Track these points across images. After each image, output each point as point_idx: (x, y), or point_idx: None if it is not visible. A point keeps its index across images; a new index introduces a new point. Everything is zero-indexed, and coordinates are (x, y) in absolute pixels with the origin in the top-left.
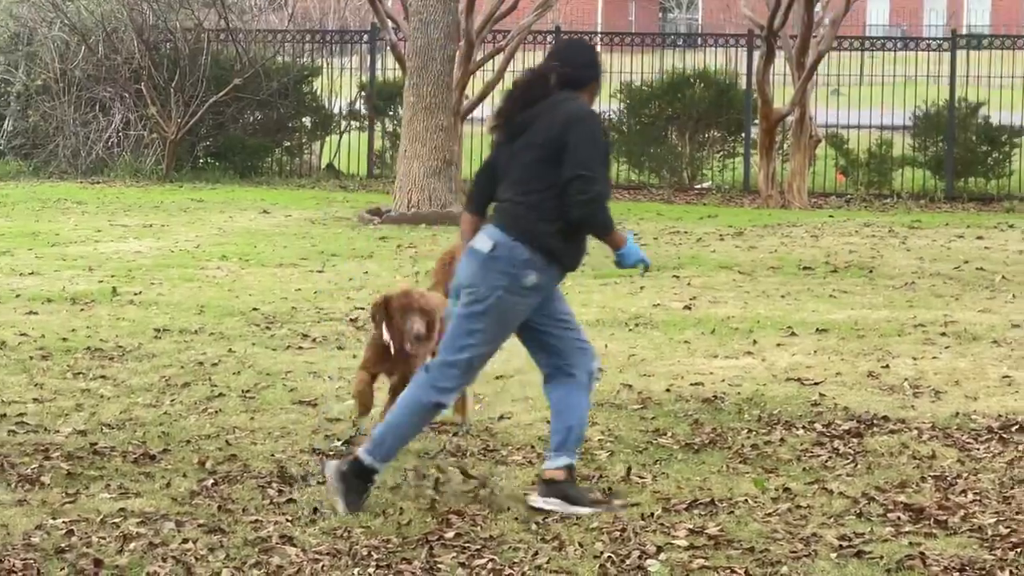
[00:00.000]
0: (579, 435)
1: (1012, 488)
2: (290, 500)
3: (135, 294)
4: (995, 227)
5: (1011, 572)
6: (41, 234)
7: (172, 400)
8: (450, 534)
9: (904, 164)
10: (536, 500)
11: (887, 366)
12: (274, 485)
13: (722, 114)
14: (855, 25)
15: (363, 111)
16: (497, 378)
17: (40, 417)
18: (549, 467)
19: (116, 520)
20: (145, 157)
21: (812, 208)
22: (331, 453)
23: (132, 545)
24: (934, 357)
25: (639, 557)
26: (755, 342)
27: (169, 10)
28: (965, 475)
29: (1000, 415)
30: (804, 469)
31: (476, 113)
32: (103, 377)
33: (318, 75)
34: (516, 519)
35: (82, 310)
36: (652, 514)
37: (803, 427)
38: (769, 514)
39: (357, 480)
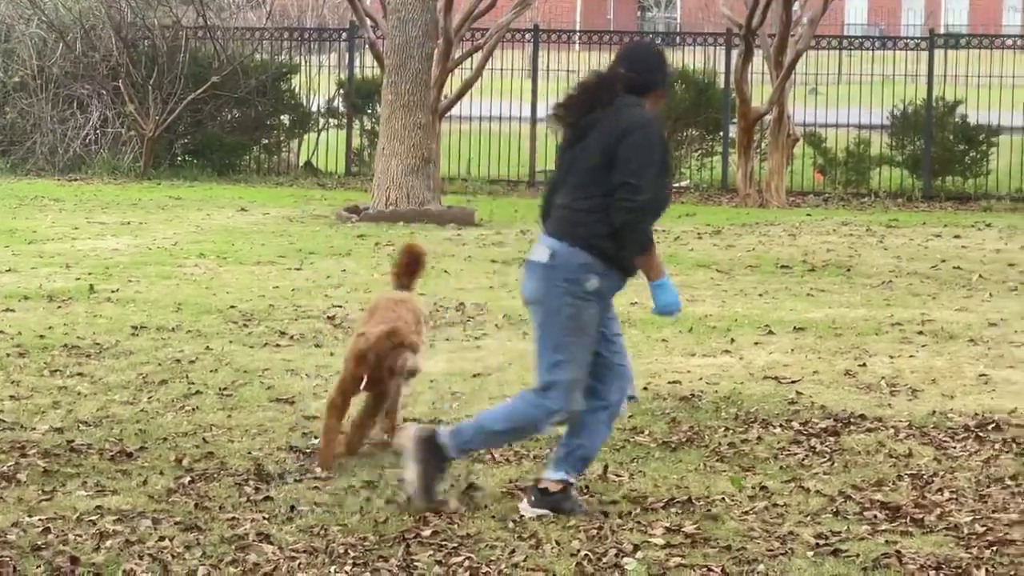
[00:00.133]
0: (584, 456)
1: (988, 486)
2: (267, 498)
3: (112, 291)
4: (972, 226)
5: (987, 570)
6: (18, 231)
7: (149, 398)
8: (427, 532)
9: (882, 163)
10: (526, 509)
11: (864, 364)
12: (251, 483)
13: (700, 113)
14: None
15: (341, 109)
16: (474, 376)
17: (16, 414)
18: (547, 476)
19: (93, 518)
20: (123, 154)
21: (790, 207)
22: (308, 451)
23: (109, 543)
24: (911, 356)
25: (616, 555)
26: (733, 340)
27: (147, 7)
28: (941, 473)
29: (977, 413)
30: (781, 467)
31: (454, 111)
32: (80, 374)
33: (296, 73)
34: (493, 517)
35: (59, 307)
36: (629, 512)
37: (780, 425)
38: (746, 512)
39: (434, 456)
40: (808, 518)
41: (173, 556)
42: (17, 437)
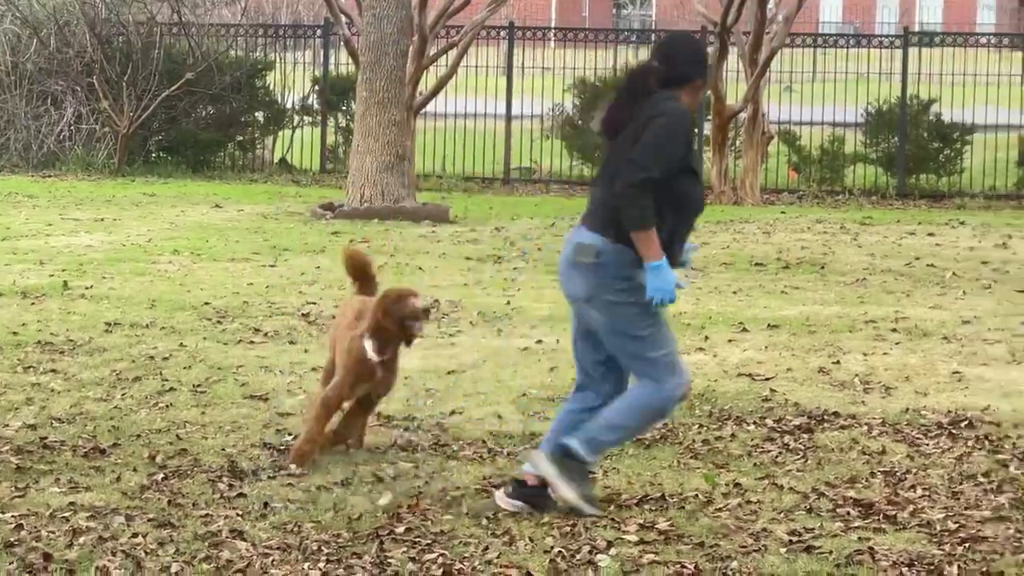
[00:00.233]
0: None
1: (961, 483)
2: (241, 494)
3: (86, 288)
4: (946, 224)
5: (959, 567)
6: None
7: (123, 394)
8: (400, 529)
9: (856, 161)
10: (503, 500)
11: (838, 362)
12: (225, 479)
13: None
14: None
15: (316, 106)
16: (449, 373)
17: None
18: (529, 471)
19: (66, 514)
20: (97, 151)
21: (764, 204)
22: (282, 448)
23: (82, 539)
24: (885, 353)
25: (589, 552)
26: (707, 338)
27: (122, 4)
28: (914, 470)
29: (950, 411)
30: (755, 464)
31: (429, 108)
32: (53, 371)
33: (271, 70)
34: (467, 514)
35: (33, 304)
36: (603, 509)
37: (754, 423)
38: (719, 509)
39: (576, 469)
40: (781, 515)
41: (146, 553)
42: None
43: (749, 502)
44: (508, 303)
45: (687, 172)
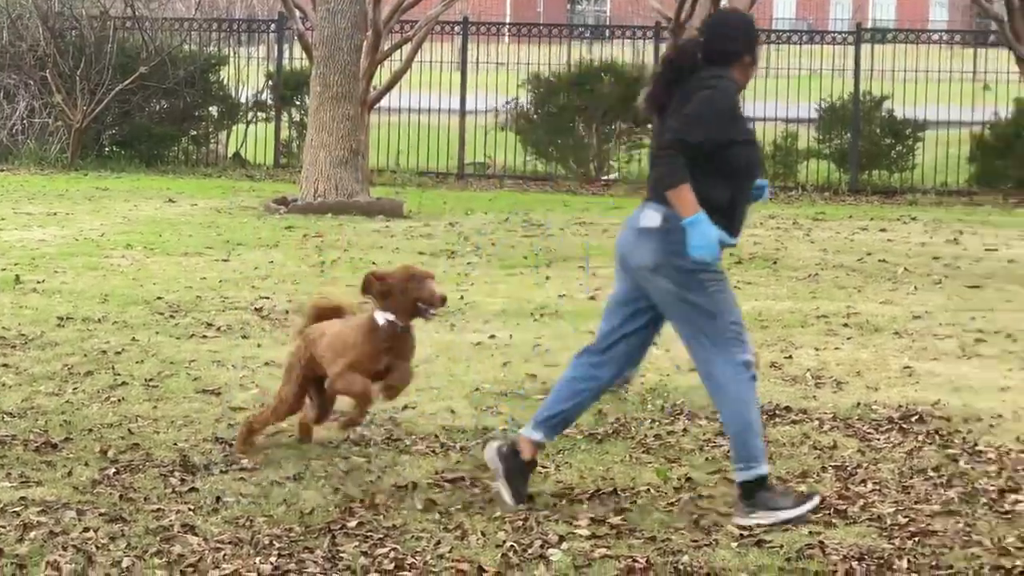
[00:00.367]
0: (564, 422)
1: (911, 478)
2: (192, 489)
3: (38, 282)
4: (898, 219)
5: (909, 561)
6: None
7: (75, 389)
8: (353, 523)
9: (809, 156)
10: (492, 454)
11: (790, 357)
12: (176, 474)
13: (629, 106)
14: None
15: (270, 100)
16: None
17: None
18: (524, 437)
19: (16, 509)
20: (50, 145)
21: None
22: (234, 442)
23: (32, 534)
24: (836, 348)
25: (541, 546)
26: (659, 333)
27: None
28: (865, 465)
29: (900, 405)
30: (707, 459)
31: (383, 103)
32: (5, 365)
33: (225, 64)
34: (419, 508)
35: None
36: (555, 504)
37: (706, 417)
38: (671, 503)
39: (763, 491)
40: (733, 509)
41: (97, 547)
42: None
43: (701, 496)
44: (461, 298)
45: (739, 143)
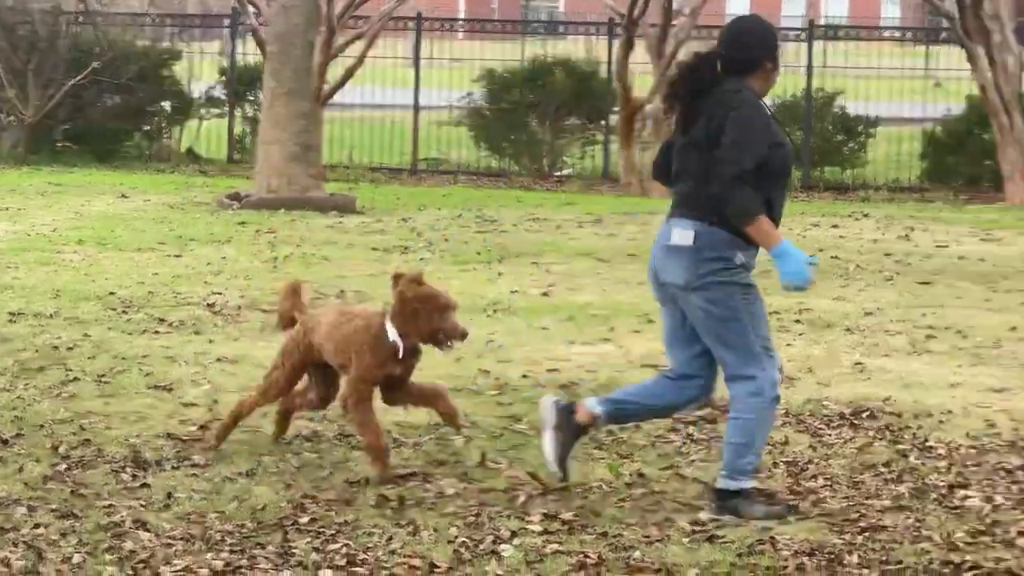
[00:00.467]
0: (631, 416)
1: (862, 473)
2: (144, 485)
3: None
4: (850, 216)
5: (859, 556)
6: None
7: (26, 384)
8: (305, 519)
9: None
10: (547, 434)
11: None
12: (128, 470)
13: (583, 102)
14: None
15: (223, 96)
16: None
17: None
18: (585, 412)
19: None
20: (2, 140)
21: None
22: (186, 438)
23: None
24: (788, 344)
25: (493, 542)
26: (612, 329)
27: None
28: (816, 460)
29: (851, 401)
30: (659, 455)
31: (337, 98)
32: None
33: (178, 59)
34: (371, 504)
35: None
36: (507, 499)
37: None
38: (623, 499)
39: (734, 501)
40: (685, 505)
41: (48, 543)
42: None
43: (653, 492)
44: None
45: (773, 146)
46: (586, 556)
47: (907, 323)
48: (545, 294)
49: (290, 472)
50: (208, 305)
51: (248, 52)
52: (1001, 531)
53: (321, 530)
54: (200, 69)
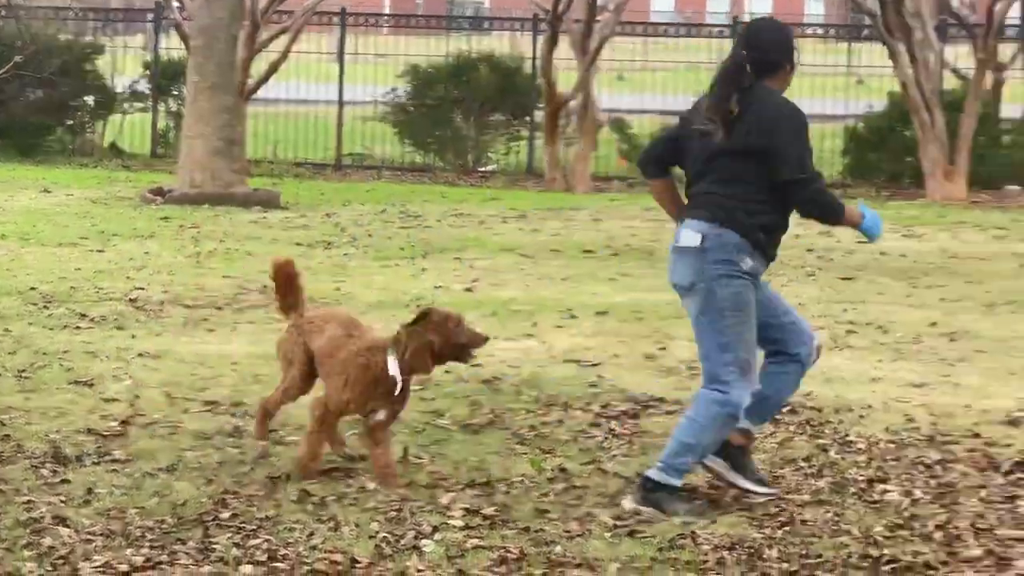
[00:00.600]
0: (772, 408)
1: (782, 468)
2: (64, 480)
3: None
4: None
5: (779, 550)
6: None
7: None
8: (225, 514)
9: None
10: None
11: (665, 348)
12: (48, 465)
13: (507, 97)
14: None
15: (147, 90)
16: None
17: None
18: (739, 434)
19: None
20: None
21: (595, 192)
22: (106, 433)
23: None
24: None
25: (415, 537)
26: (536, 324)
27: None
28: None
29: None
30: (581, 450)
31: (261, 93)
32: None
33: (101, 53)
34: (292, 500)
35: None
36: (429, 494)
37: (581, 408)
38: (545, 494)
39: (658, 493)
40: (606, 500)
41: None
42: None
43: (575, 487)
44: (338, 289)
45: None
46: (507, 551)
47: (828, 318)
48: (469, 289)
49: (211, 467)
50: (130, 300)
51: (172, 47)
52: (919, 525)
53: (242, 525)
54: (124, 63)
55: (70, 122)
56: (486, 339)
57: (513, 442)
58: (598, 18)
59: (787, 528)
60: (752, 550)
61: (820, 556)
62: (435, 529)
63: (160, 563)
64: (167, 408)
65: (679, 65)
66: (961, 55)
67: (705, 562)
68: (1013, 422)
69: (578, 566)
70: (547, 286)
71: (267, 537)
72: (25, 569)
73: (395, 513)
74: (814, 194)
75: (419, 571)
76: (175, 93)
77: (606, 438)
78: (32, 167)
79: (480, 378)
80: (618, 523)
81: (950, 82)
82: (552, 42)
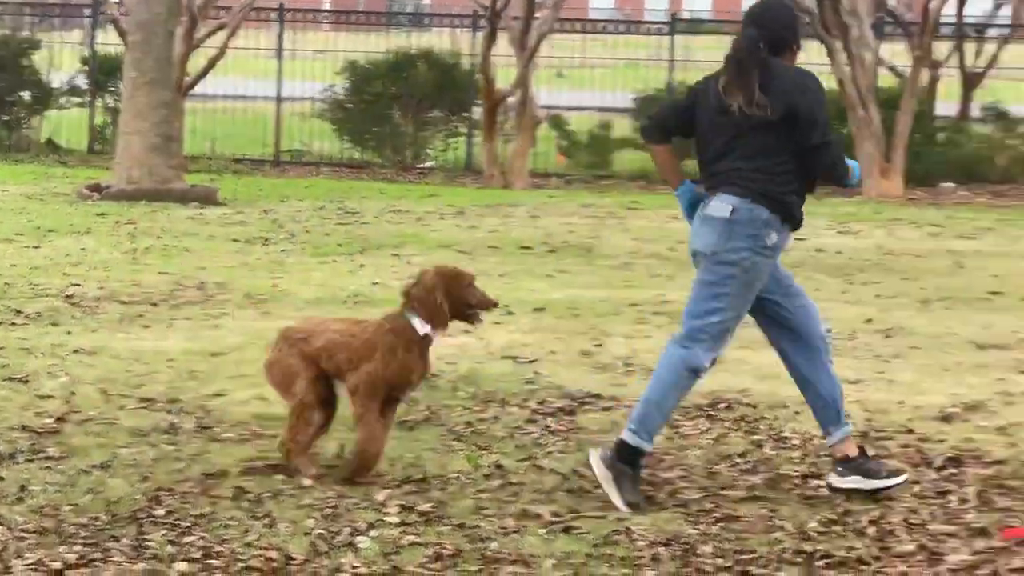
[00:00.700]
0: (836, 405)
1: (718, 464)
2: None
3: None
4: None
5: (714, 546)
6: None
7: None
8: (160, 512)
9: (624, 146)
10: (836, 481)
11: (601, 345)
12: None
13: (446, 94)
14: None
15: (84, 85)
16: (213, 355)
17: None
18: (835, 445)
19: None
20: None
21: (533, 188)
22: (41, 430)
23: None
24: (647, 336)
25: (350, 534)
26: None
27: None
28: (673, 451)
29: (709, 392)
30: (517, 446)
31: (199, 89)
32: None
33: (38, 48)
34: (228, 497)
35: None
36: (364, 491)
37: (517, 405)
38: (481, 490)
39: (624, 464)
40: (542, 496)
41: None
42: None
43: (511, 483)
44: (275, 285)
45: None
46: (443, 547)
47: None
48: None
49: (147, 464)
50: (66, 296)
51: (109, 42)
52: (852, 520)
53: (177, 523)
54: (60, 58)
55: (6, 118)
56: (495, 304)
57: (449, 438)
58: (537, 15)
59: (722, 524)
60: (687, 546)
61: (754, 552)
62: (371, 526)
63: (94, 560)
64: (102, 405)
65: (618, 62)
66: (897, 53)
67: (640, 558)
68: (946, 418)
69: (513, 562)
70: (484, 282)
71: (202, 534)
72: None
73: (331, 510)
74: (837, 157)
75: (354, 568)
76: (112, 89)
77: (542, 434)
78: None
79: None
80: (553, 519)
81: (886, 80)
82: (491, 39)
